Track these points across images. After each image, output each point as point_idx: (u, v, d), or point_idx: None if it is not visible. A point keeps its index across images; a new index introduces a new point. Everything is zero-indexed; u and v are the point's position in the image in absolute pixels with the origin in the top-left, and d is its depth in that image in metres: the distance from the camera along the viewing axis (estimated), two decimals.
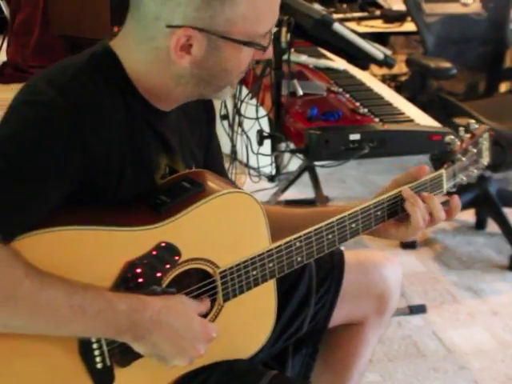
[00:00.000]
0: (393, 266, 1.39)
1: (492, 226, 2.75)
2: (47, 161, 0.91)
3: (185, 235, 1.01)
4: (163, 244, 0.99)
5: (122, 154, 1.00)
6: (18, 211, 0.89)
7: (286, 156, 2.67)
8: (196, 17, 0.94)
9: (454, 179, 1.27)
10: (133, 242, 0.97)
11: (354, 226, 1.16)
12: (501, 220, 2.65)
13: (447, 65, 2.54)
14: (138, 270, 0.97)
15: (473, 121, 1.32)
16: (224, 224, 1.06)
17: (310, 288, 1.31)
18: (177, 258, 1.01)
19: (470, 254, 2.63)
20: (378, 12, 3.34)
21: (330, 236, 1.14)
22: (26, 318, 0.88)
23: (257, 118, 2.20)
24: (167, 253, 1.00)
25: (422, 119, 2.02)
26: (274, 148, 2.32)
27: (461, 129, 1.29)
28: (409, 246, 2.64)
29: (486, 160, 1.33)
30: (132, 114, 1.01)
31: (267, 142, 2.14)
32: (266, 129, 2.24)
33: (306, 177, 2.72)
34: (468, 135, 1.30)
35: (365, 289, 1.36)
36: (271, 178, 2.50)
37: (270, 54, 1.04)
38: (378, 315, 1.38)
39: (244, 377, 1.11)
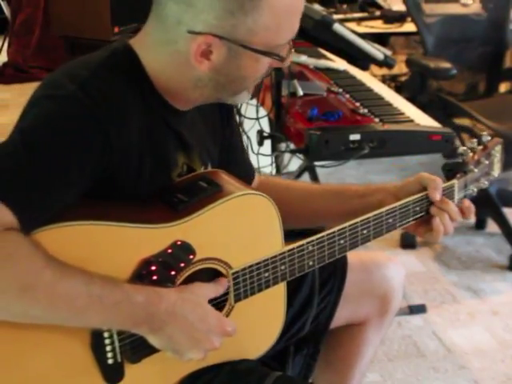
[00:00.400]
0: (395, 266, 1.40)
1: (492, 226, 2.76)
2: (70, 152, 0.92)
3: (200, 234, 1.02)
4: (179, 242, 1.00)
5: (139, 149, 1.01)
6: (40, 202, 0.90)
7: (287, 156, 2.66)
8: (218, 25, 0.95)
9: (465, 190, 1.28)
10: (149, 239, 0.98)
11: (365, 232, 1.16)
12: (501, 220, 2.65)
13: (447, 65, 2.55)
14: (153, 268, 0.97)
15: (485, 132, 1.32)
16: (239, 225, 1.07)
17: (312, 289, 1.31)
18: (191, 256, 1.01)
19: (469, 254, 2.64)
20: (378, 12, 3.34)
21: (341, 241, 1.14)
22: (44, 307, 0.88)
23: (257, 118, 2.20)
24: (182, 251, 1.00)
25: (422, 119, 2.02)
26: (274, 148, 2.33)
27: (473, 140, 1.29)
28: (409, 245, 2.64)
29: (496, 172, 1.34)
30: (150, 111, 1.02)
31: (267, 142, 2.14)
32: (267, 129, 2.24)
33: (306, 177, 2.72)
34: (480, 147, 1.30)
35: (367, 289, 1.36)
36: None
37: (287, 63, 1.05)
38: (380, 316, 1.38)
39: (248, 377, 1.11)
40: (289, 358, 1.33)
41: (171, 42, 0.99)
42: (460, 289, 2.41)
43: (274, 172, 2.49)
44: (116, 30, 3.25)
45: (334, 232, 1.13)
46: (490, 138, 1.32)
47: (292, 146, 2.06)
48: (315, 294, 1.31)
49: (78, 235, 0.92)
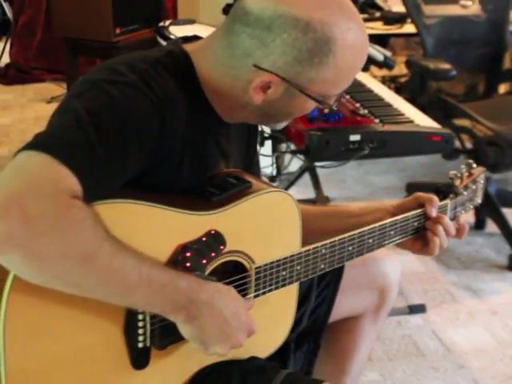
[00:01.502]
0: (392, 261, 1.43)
1: (491, 226, 2.76)
2: (132, 136, 0.95)
3: (230, 227, 1.05)
4: (213, 232, 1.03)
5: (183, 147, 1.04)
6: (102, 178, 0.92)
7: (287, 157, 2.67)
8: (284, 68, 1.00)
9: (454, 211, 1.36)
10: (187, 225, 1.01)
11: (370, 241, 1.22)
12: (500, 220, 2.65)
13: (447, 66, 2.55)
14: (188, 254, 1.00)
15: (471, 161, 1.42)
16: (265, 220, 1.10)
17: (311, 282, 1.33)
18: (222, 247, 1.04)
19: (469, 254, 2.64)
20: (378, 14, 3.35)
21: (350, 248, 1.19)
22: (99, 279, 0.88)
23: None
24: (215, 241, 1.03)
25: (422, 120, 2.03)
26: (274, 149, 2.33)
27: (462, 166, 1.39)
28: None
29: (479, 199, 1.45)
30: (197, 114, 1.05)
31: (268, 143, 2.15)
32: (267, 130, 2.25)
33: (306, 177, 2.73)
34: (466, 173, 1.40)
35: (364, 283, 1.39)
36: (272, 179, 2.51)
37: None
38: (377, 309, 1.41)
39: (259, 374, 1.13)
40: (290, 354, 1.34)
41: (234, 67, 1.03)
42: (459, 289, 2.41)
43: (274, 172, 2.50)
44: (118, 31, 3.26)
45: (344, 238, 1.17)
46: (475, 165, 1.42)
47: (292, 147, 2.07)
48: (313, 287, 1.33)
49: (125, 213, 0.95)
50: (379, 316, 1.43)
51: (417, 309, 2.26)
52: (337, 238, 1.16)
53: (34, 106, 4.17)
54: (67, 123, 0.93)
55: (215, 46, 1.05)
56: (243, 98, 1.05)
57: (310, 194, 2.72)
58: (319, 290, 1.35)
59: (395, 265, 1.43)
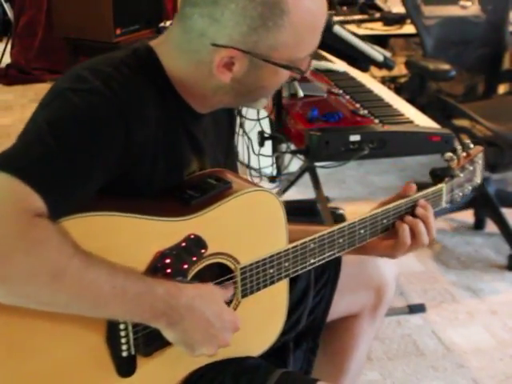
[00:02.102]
0: (388, 260, 1.41)
1: (491, 226, 2.76)
2: (95, 144, 0.93)
3: (211, 229, 1.04)
4: (192, 236, 1.02)
5: (155, 147, 1.02)
6: (67, 191, 0.91)
7: (287, 157, 2.67)
8: (241, 40, 0.99)
9: (451, 194, 1.35)
10: (165, 231, 1.00)
11: (362, 232, 1.21)
12: (499, 220, 2.66)
13: (446, 67, 2.55)
14: (167, 261, 0.99)
15: (468, 141, 1.40)
16: (248, 221, 1.09)
17: (308, 281, 1.33)
18: (203, 251, 1.04)
19: (468, 254, 2.65)
20: (377, 15, 3.35)
21: (340, 240, 1.18)
22: (71, 296, 0.88)
23: (258, 120, 2.21)
24: (195, 245, 1.02)
25: (422, 120, 2.03)
26: (274, 149, 2.33)
27: (458, 147, 1.36)
28: None
29: (479, 178, 1.42)
30: (168, 110, 1.04)
31: (268, 143, 2.15)
32: (267, 130, 2.25)
33: (306, 177, 2.73)
34: (464, 154, 1.38)
35: (362, 282, 1.39)
36: (272, 179, 2.51)
37: (306, 73, 1.08)
38: (375, 307, 1.42)
39: (254, 373, 1.13)
40: (289, 353, 1.34)
41: (194, 51, 1.02)
42: (459, 288, 2.42)
43: (274, 173, 2.51)
44: (118, 31, 3.26)
45: (333, 231, 1.17)
46: (472, 146, 1.40)
47: (292, 147, 2.06)
48: (311, 287, 1.34)
49: (99, 226, 0.94)
50: (377, 315, 1.43)
51: (416, 308, 2.27)
52: (325, 232, 1.16)
53: (35, 106, 4.16)
54: (28, 138, 0.93)
55: (174, 35, 1.05)
56: (211, 81, 1.04)
57: (310, 194, 2.72)
58: (317, 290, 1.35)
59: (391, 262, 1.42)
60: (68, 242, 0.87)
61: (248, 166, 2.46)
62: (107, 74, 0.98)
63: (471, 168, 1.39)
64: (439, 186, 1.31)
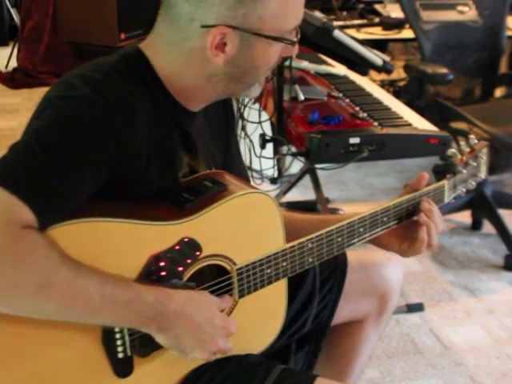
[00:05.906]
0: (393, 266, 1.42)
1: (487, 226, 2.77)
2: (84, 152, 0.94)
3: (206, 232, 1.04)
4: (186, 239, 1.02)
5: (148, 150, 1.02)
6: (56, 200, 0.91)
7: (288, 159, 2.67)
8: (229, 15, 0.99)
9: (454, 190, 1.33)
10: (158, 235, 1.00)
11: (361, 230, 1.20)
12: (496, 221, 2.67)
13: (444, 71, 2.57)
14: (162, 264, 0.99)
15: (472, 136, 1.38)
16: (243, 222, 1.09)
17: (313, 287, 1.33)
18: (198, 253, 1.04)
19: (466, 254, 2.66)
20: (377, 19, 3.35)
21: (339, 239, 1.17)
22: (59, 305, 0.89)
23: (259, 122, 2.23)
24: (189, 248, 1.03)
25: (420, 123, 2.04)
26: (276, 151, 2.34)
27: (462, 143, 1.35)
28: None
29: (483, 174, 1.40)
30: (160, 112, 1.05)
31: (269, 146, 2.15)
32: (269, 132, 2.26)
33: (307, 179, 2.72)
34: (468, 149, 1.36)
35: (366, 289, 1.38)
36: (273, 181, 2.52)
37: (296, 50, 1.08)
38: (379, 314, 1.40)
39: (253, 370, 1.13)
40: (291, 354, 1.35)
41: (185, 39, 1.01)
42: (457, 288, 2.43)
43: (276, 174, 2.53)
44: (123, 36, 3.28)
45: (332, 230, 1.16)
46: (476, 141, 1.38)
47: (293, 149, 2.07)
48: (316, 293, 1.33)
49: (90, 232, 0.94)
50: (381, 321, 1.42)
51: (415, 307, 2.28)
52: (324, 231, 1.15)
53: None
54: (17, 149, 0.92)
55: (161, 30, 1.05)
56: (205, 69, 1.03)
57: (311, 195, 2.73)
58: (322, 296, 1.34)
59: (397, 270, 1.42)
60: (54, 253, 0.88)
61: (250, 168, 2.48)
62: (97, 81, 0.98)
63: (475, 164, 1.36)
64: (441, 182, 1.30)
